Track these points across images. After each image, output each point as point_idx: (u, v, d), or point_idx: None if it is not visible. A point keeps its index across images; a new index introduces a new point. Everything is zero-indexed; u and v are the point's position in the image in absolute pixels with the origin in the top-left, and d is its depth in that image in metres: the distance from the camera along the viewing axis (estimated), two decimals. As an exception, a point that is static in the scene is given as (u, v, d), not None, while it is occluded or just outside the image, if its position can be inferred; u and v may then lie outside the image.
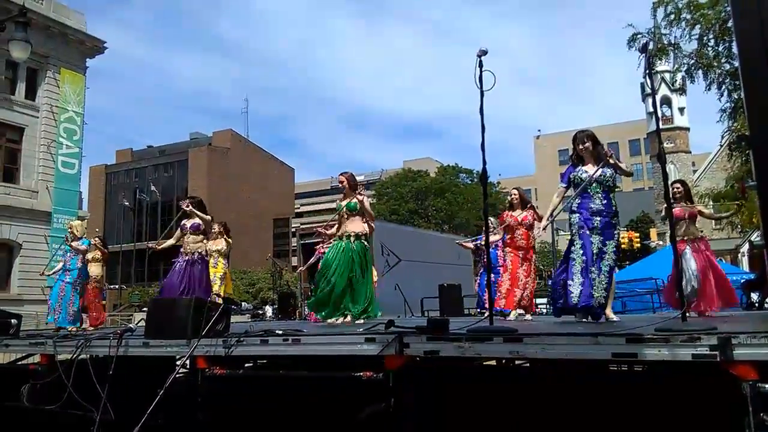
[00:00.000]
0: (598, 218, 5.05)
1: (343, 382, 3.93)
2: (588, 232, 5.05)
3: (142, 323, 5.87)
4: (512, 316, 6.58)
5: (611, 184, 5.17)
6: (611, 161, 5.10)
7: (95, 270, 9.49)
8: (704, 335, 2.89)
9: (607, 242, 5.02)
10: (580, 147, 5.28)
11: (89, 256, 9.22)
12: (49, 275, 9.66)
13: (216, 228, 9.67)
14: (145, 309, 13.88)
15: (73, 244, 8.96)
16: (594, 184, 5.12)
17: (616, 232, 5.11)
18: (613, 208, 5.13)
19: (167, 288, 7.05)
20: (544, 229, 6.14)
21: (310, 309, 7.04)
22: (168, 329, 4.82)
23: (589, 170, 5.18)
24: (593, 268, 4.96)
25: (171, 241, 7.64)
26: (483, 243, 7.78)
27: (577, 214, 5.14)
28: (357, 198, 6.64)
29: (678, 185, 6.59)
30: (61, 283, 8.91)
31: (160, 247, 7.73)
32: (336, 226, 7.04)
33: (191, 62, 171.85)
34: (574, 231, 5.14)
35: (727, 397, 2.80)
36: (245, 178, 56.39)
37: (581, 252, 5.03)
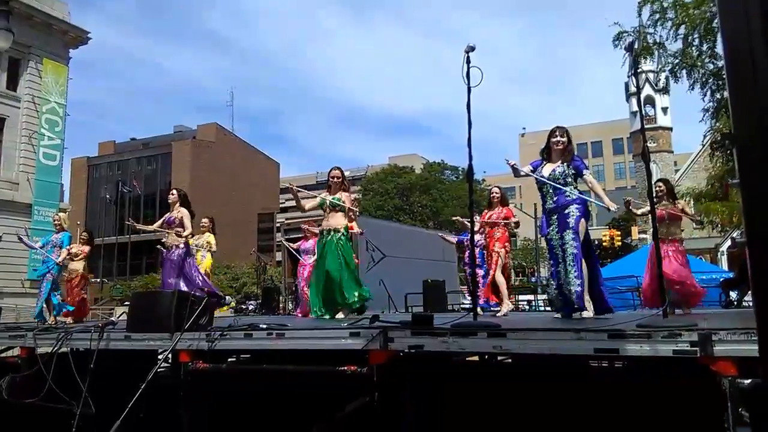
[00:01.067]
0: (554, 215, 5.15)
1: (327, 377, 3.93)
2: (547, 237, 5.24)
3: (124, 317, 5.83)
4: (504, 310, 6.70)
5: (563, 181, 5.14)
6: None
7: (77, 265, 9.38)
8: (685, 331, 2.93)
9: (563, 233, 5.02)
10: (554, 140, 5.29)
11: (73, 251, 9.11)
12: (26, 244, 9.69)
13: (206, 222, 9.65)
14: (127, 303, 13.77)
15: (54, 238, 8.88)
16: (545, 186, 5.20)
17: (570, 219, 5.00)
18: (568, 197, 5.07)
19: (164, 285, 7.13)
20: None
21: (313, 307, 7.06)
22: (150, 323, 4.78)
23: (546, 171, 5.25)
24: (559, 269, 5.07)
25: (153, 226, 7.71)
26: (467, 240, 7.87)
27: (540, 219, 5.31)
28: (342, 194, 6.66)
29: (660, 184, 6.62)
30: (43, 276, 8.86)
31: (138, 226, 7.83)
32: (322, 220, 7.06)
33: (177, 55, 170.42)
34: (546, 241, 5.34)
35: (707, 393, 2.84)
36: (229, 172, 56.01)
37: (549, 256, 5.28)
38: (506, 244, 7.13)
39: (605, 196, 5.17)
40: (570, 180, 5.16)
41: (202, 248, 9.38)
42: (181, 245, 7.29)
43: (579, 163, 5.21)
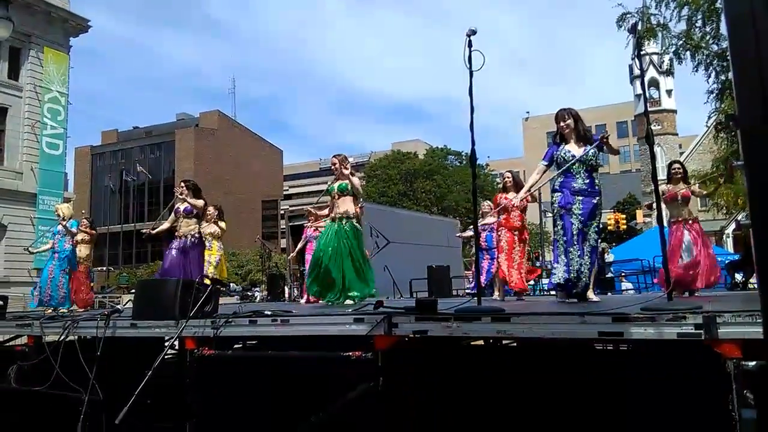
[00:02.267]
0: (580, 197, 5.04)
1: (332, 362, 3.95)
2: (568, 213, 5.05)
3: (130, 305, 5.85)
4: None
5: (594, 164, 5.15)
6: (605, 143, 5.10)
7: (83, 251, 9.48)
8: (690, 314, 2.93)
9: (588, 223, 5.00)
10: (562, 124, 5.26)
11: (78, 237, 9.18)
12: (33, 252, 9.68)
13: (211, 211, 9.67)
14: (132, 291, 13.84)
15: (63, 224, 8.90)
16: (577, 164, 5.12)
17: (597, 212, 5.08)
18: (596, 188, 5.11)
19: (165, 273, 7.07)
20: (519, 202, 6.29)
21: (310, 293, 7.02)
22: (156, 310, 4.80)
23: (572, 149, 5.17)
24: (572, 249, 4.97)
25: (165, 225, 7.68)
26: (481, 229, 7.82)
27: (559, 194, 5.12)
28: (348, 177, 6.57)
29: (677, 165, 6.62)
30: (50, 266, 8.86)
31: (155, 231, 7.77)
32: (328, 207, 6.99)
33: (179, 42, 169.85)
34: (555, 211, 5.14)
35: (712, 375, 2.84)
36: (233, 159, 56.06)
37: (562, 233, 5.07)
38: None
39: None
40: (598, 161, 5.21)
41: (209, 236, 9.40)
42: (196, 234, 7.30)
43: (596, 137, 5.19)
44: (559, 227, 5.11)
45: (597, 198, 5.09)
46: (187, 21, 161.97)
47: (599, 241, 5.14)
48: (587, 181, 5.09)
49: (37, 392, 5.16)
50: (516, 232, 6.89)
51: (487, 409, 3.87)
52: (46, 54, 22.22)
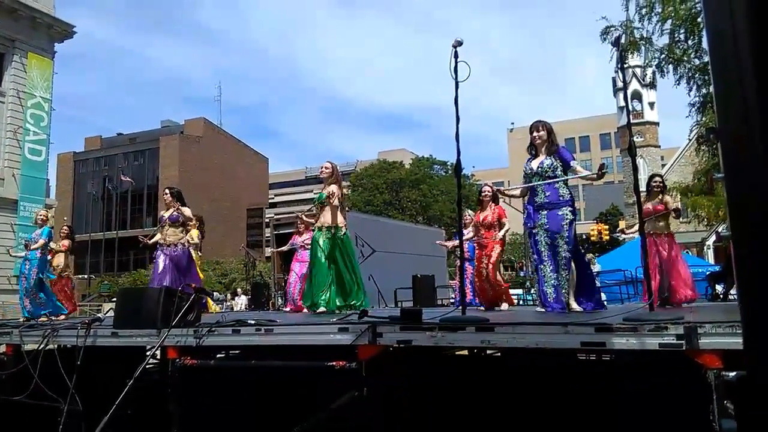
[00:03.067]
0: (544, 211, 5.04)
1: (316, 372, 3.93)
2: (533, 232, 5.10)
3: (111, 313, 5.79)
4: (504, 307, 6.71)
5: (551, 175, 5.07)
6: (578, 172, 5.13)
7: (58, 260, 9.27)
8: (671, 325, 2.96)
9: (555, 236, 4.95)
10: (534, 134, 5.25)
11: (52, 245, 8.98)
12: (14, 256, 9.64)
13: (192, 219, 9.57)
14: (114, 299, 13.66)
15: (34, 234, 8.72)
16: (535, 178, 5.13)
17: (564, 223, 4.96)
18: (561, 198, 5.05)
19: (156, 282, 7.00)
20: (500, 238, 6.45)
21: (304, 304, 7.04)
22: (137, 319, 4.75)
23: (533, 163, 5.21)
24: (542, 266, 5.01)
25: (159, 236, 7.60)
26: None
27: (526, 212, 5.19)
28: (327, 190, 6.63)
29: (658, 179, 6.66)
30: (23, 275, 8.67)
31: (151, 241, 7.70)
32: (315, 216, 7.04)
33: (165, 49, 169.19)
34: (526, 231, 5.19)
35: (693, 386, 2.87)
36: (218, 167, 55.72)
37: (532, 252, 5.16)
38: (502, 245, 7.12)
39: (588, 173, 5.18)
40: (559, 173, 5.10)
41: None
42: (184, 242, 7.28)
43: (565, 152, 5.16)
44: (530, 246, 5.21)
45: (564, 208, 5.01)
46: (174, 27, 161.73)
47: (573, 251, 4.99)
48: (548, 193, 5.07)
49: (15, 402, 5.07)
50: (484, 250, 6.95)
51: (472, 418, 3.87)
52: (30, 59, 22.02)
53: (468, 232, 7.85)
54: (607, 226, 32.45)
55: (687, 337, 2.86)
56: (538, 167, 5.14)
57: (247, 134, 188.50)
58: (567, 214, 5.01)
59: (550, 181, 5.06)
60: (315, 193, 6.92)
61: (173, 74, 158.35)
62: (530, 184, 5.22)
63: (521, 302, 16.03)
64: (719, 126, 1.77)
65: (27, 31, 22.02)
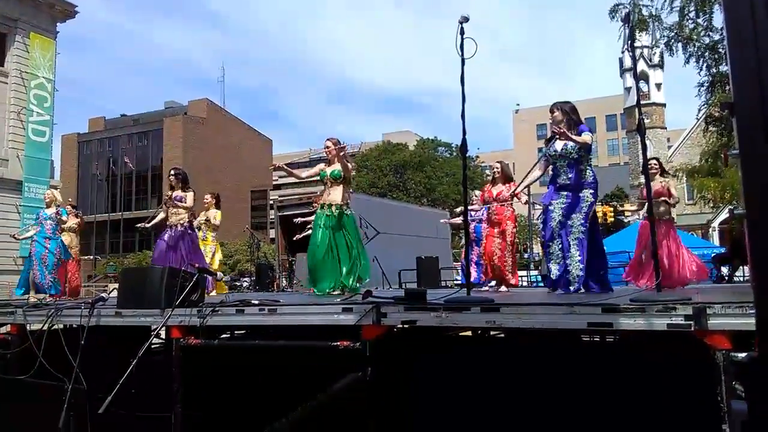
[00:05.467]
0: (564, 192, 5.03)
1: (320, 352, 3.92)
2: (548, 210, 5.06)
3: (115, 293, 5.79)
4: (486, 287, 6.66)
5: (575, 157, 5.06)
6: (558, 133, 5.00)
7: (69, 238, 9.35)
8: (679, 305, 2.92)
9: (572, 215, 4.94)
10: (551, 119, 5.23)
11: (65, 225, 9.07)
12: (19, 239, 9.63)
13: (209, 198, 9.46)
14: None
15: (50, 211, 8.74)
16: (560, 160, 5.10)
17: (584, 204, 4.96)
18: (584, 180, 5.04)
19: (158, 262, 7.00)
20: (514, 196, 6.25)
21: (308, 285, 7.00)
22: (141, 299, 4.75)
23: (557, 145, 5.15)
24: (551, 244, 4.99)
25: (161, 215, 7.61)
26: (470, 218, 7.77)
27: (547, 191, 5.16)
28: (342, 161, 6.49)
29: (653, 161, 6.63)
30: (43, 252, 8.67)
31: (150, 224, 7.71)
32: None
33: (169, 30, 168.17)
34: (543, 209, 5.17)
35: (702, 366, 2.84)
36: (221, 148, 55.62)
37: (542, 230, 5.16)
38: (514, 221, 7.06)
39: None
40: (583, 153, 5.08)
41: (204, 225, 9.19)
42: (186, 223, 7.26)
43: (583, 128, 5.10)
44: (542, 222, 5.20)
45: (585, 190, 5.01)
46: (178, 8, 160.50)
47: (587, 232, 4.93)
48: (570, 175, 5.06)
49: (20, 381, 5.09)
50: (495, 227, 6.83)
51: (475, 399, 3.86)
52: (33, 40, 21.91)
53: (476, 211, 7.82)
54: (611, 208, 32.35)
55: (696, 317, 2.82)
56: (562, 149, 5.08)
57: (251, 116, 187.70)
58: (587, 197, 5.00)
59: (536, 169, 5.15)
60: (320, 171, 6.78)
61: (177, 56, 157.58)
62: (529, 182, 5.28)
63: (525, 284, 16.02)
64: (734, 100, 1.72)
65: (29, 11, 21.88)
